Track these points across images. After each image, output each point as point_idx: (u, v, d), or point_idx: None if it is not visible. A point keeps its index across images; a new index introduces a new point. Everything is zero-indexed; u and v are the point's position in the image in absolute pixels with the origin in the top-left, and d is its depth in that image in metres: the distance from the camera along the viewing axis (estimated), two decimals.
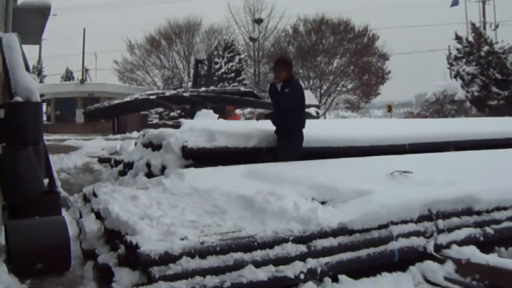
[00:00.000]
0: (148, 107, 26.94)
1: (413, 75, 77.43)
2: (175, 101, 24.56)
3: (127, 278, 2.56)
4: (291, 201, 3.12)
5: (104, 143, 15.37)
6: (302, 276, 2.63)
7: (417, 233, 3.10)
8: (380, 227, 3.02)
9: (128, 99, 24.17)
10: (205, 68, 31.18)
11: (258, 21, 42.06)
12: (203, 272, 2.45)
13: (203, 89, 25.64)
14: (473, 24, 28.07)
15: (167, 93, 24.96)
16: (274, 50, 40.69)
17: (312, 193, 3.43)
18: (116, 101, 24.34)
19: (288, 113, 4.97)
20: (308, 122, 5.15)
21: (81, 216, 4.45)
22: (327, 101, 41.59)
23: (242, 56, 39.27)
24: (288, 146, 4.98)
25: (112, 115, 25.06)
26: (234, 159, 4.82)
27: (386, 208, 3.06)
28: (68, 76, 43.40)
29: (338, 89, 41.12)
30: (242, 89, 26.45)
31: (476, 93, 25.79)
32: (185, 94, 24.08)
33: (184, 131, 5.41)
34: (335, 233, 2.90)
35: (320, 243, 2.82)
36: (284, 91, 4.95)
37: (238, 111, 25.93)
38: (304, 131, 5.07)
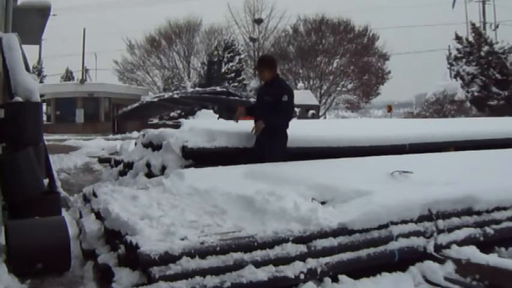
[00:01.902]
0: (161, 110, 28.21)
1: (413, 75, 77.51)
2: (173, 103, 26.11)
3: (127, 278, 2.55)
4: (291, 201, 3.12)
5: (104, 143, 15.39)
6: (302, 276, 2.62)
7: (417, 233, 3.09)
8: (380, 227, 3.01)
9: (139, 103, 26.01)
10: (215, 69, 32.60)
11: (258, 21, 42.07)
12: (203, 272, 2.45)
13: (190, 90, 28.29)
14: (473, 24, 28.07)
15: (166, 96, 26.79)
16: (274, 50, 40.69)
17: (312, 193, 3.43)
18: (136, 104, 26.04)
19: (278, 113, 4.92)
20: (308, 122, 5.15)
21: (81, 216, 4.44)
22: (327, 101, 41.60)
23: (242, 56, 39.26)
24: (274, 146, 4.90)
25: (135, 117, 26.18)
26: (234, 159, 4.82)
27: (386, 208, 3.05)
28: (68, 76, 43.38)
29: (338, 89, 41.15)
30: (218, 89, 27.95)
31: (476, 93, 25.80)
32: (175, 96, 25.93)
33: (184, 131, 5.41)
34: (335, 233, 2.89)
35: (320, 243, 2.81)
36: (283, 101, 4.79)
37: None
38: (305, 131, 5.06)
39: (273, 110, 4.81)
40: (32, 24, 7.33)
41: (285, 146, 4.95)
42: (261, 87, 5.36)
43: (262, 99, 5.03)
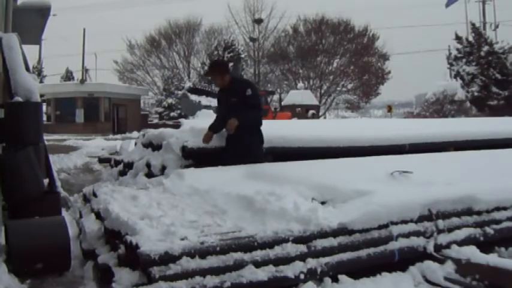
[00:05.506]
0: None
1: (413, 75, 77.57)
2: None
3: (127, 278, 2.55)
4: (291, 201, 3.12)
5: (104, 143, 15.40)
6: (302, 276, 2.62)
7: (417, 233, 3.09)
8: (380, 227, 3.01)
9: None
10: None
11: (258, 21, 42.06)
12: (203, 272, 2.45)
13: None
14: (473, 24, 28.11)
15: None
16: (274, 50, 40.79)
17: (312, 193, 3.42)
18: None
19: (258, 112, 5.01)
20: (308, 122, 5.15)
21: (81, 216, 4.44)
22: (327, 101, 41.61)
23: (242, 56, 39.27)
24: (259, 144, 4.93)
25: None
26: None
27: (386, 208, 3.05)
28: (68, 76, 43.34)
29: (338, 89, 41.19)
30: (191, 86, 32.17)
31: (476, 93, 25.82)
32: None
33: (184, 131, 5.41)
34: (335, 233, 2.89)
35: (320, 243, 2.81)
36: (247, 95, 4.79)
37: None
38: (305, 131, 5.05)
39: (241, 108, 4.76)
40: (32, 24, 7.33)
41: (262, 143, 4.96)
42: (220, 94, 5.14)
43: (228, 102, 4.90)
